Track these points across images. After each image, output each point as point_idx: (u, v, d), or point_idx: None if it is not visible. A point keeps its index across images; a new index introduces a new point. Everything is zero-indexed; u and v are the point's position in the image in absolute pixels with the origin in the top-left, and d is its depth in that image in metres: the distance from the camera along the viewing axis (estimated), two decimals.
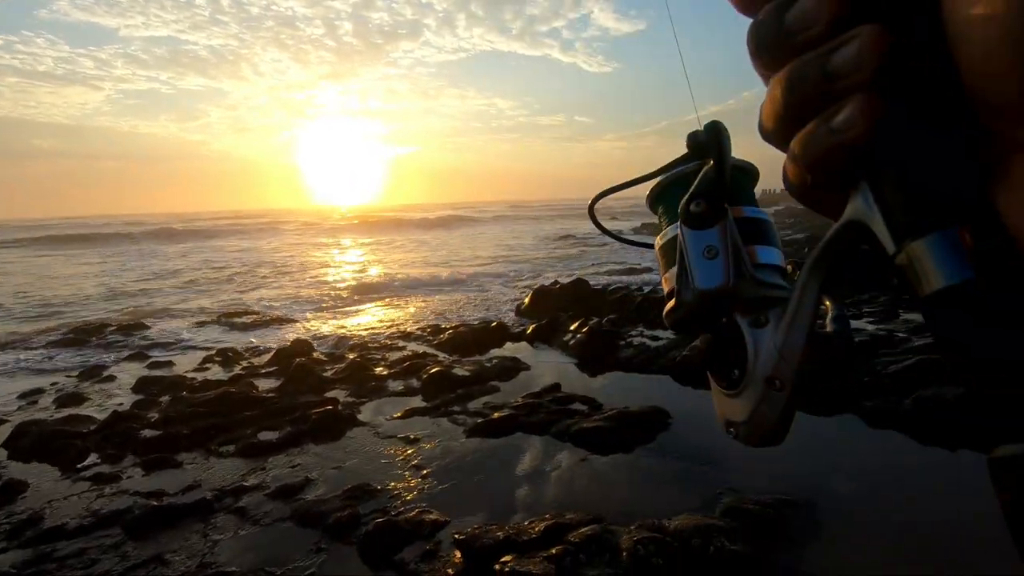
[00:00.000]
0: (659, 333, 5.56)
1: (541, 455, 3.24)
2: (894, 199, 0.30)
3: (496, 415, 3.73)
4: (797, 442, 3.29)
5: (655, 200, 0.52)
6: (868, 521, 2.42)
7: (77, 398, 4.76)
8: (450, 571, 2.16)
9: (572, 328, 5.69)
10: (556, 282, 8.30)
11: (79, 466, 3.43)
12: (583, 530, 2.23)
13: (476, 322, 6.85)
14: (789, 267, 0.47)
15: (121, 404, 4.49)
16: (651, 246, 0.53)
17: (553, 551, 2.10)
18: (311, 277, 14.60)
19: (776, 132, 0.34)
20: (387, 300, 9.94)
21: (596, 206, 0.64)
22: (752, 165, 0.49)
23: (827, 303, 0.47)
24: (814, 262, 0.38)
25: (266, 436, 3.66)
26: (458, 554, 2.24)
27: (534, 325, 6.18)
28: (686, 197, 0.44)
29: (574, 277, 8.82)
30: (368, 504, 2.76)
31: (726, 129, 0.45)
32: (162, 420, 3.99)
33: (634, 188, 0.56)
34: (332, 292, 11.57)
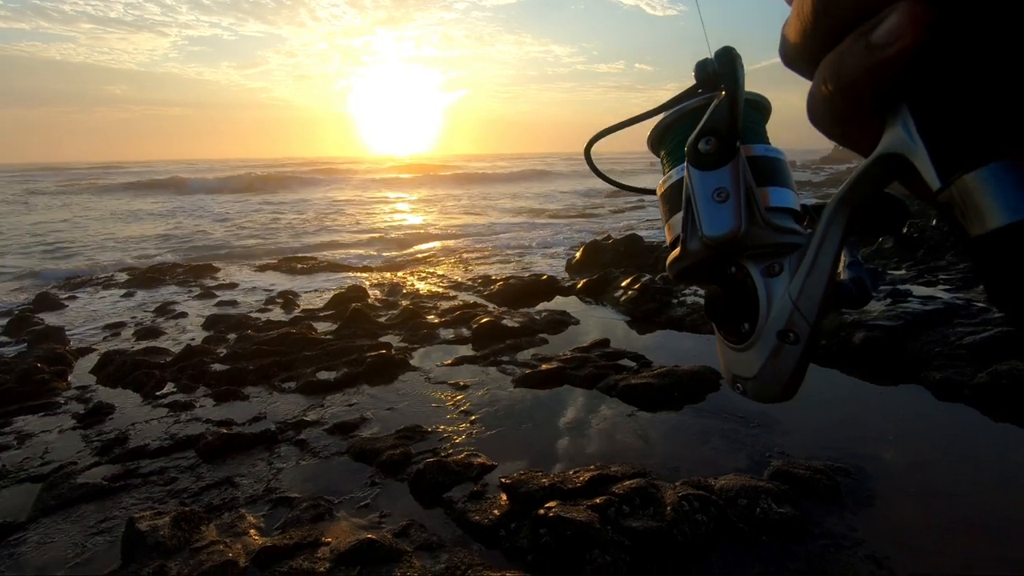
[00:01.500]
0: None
1: (587, 408, 3.27)
2: (943, 126, 0.25)
3: (544, 367, 3.77)
4: (855, 410, 3.19)
5: (658, 140, 0.47)
6: (924, 494, 2.34)
7: (154, 332, 5.12)
8: (496, 512, 2.24)
9: (623, 284, 5.62)
10: (608, 236, 8.15)
11: (157, 394, 3.72)
12: (627, 483, 2.25)
13: (527, 275, 6.86)
14: (801, 209, 0.43)
15: (193, 339, 4.80)
16: (653, 192, 0.49)
17: (597, 500, 2.14)
18: (367, 226, 14.92)
19: (803, 53, 0.29)
20: (440, 250, 10.07)
21: (594, 147, 0.58)
22: (764, 98, 0.45)
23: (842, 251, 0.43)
24: (840, 202, 0.34)
25: (324, 375, 3.84)
26: (504, 497, 2.31)
27: (584, 280, 6.13)
28: (694, 134, 0.40)
29: (629, 232, 8.64)
30: (419, 445, 2.88)
31: (739, 56, 0.39)
32: (230, 355, 4.25)
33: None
34: (388, 241, 11.82)
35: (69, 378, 4.09)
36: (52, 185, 30.94)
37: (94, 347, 4.77)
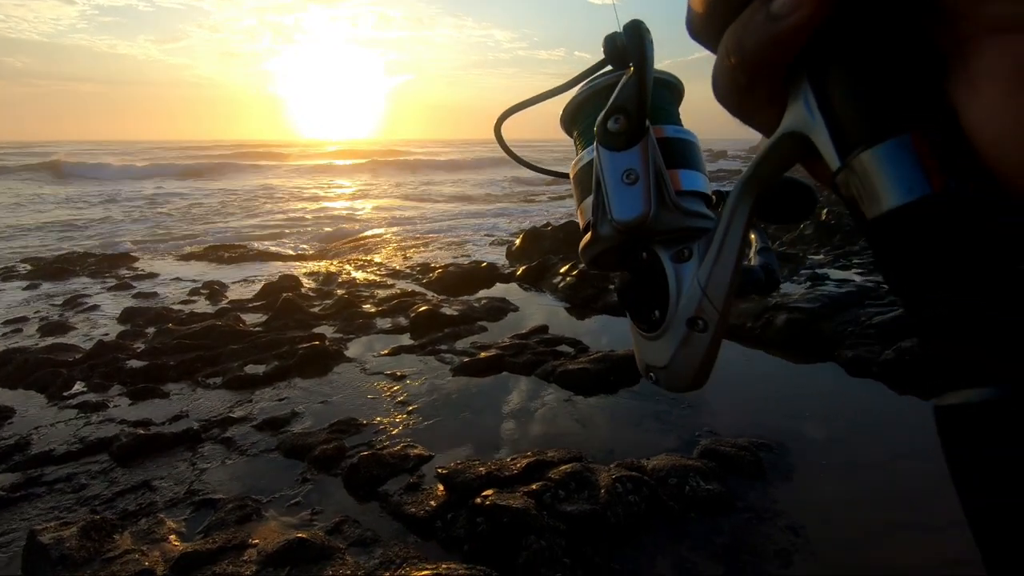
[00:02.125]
0: None
1: (526, 395, 3.29)
2: (841, 101, 0.25)
3: (483, 355, 3.75)
4: (775, 388, 3.37)
5: (570, 120, 0.46)
6: (838, 464, 2.50)
7: (62, 327, 4.73)
8: (432, 503, 2.21)
9: (562, 271, 5.67)
10: (548, 223, 8.21)
11: (65, 394, 3.44)
12: (564, 467, 2.28)
13: (466, 262, 6.81)
14: (714, 196, 0.42)
15: (106, 334, 4.47)
16: (565, 175, 0.48)
17: (534, 486, 2.15)
18: (301, 213, 14.36)
19: (706, 24, 0.28)
20: (378, 238, 9.84)
21: (503, 124, 0.55)
22: (677, 78, 0.44)
23: (752, 235, 0.43)
24: (744, 185, 0.34)
25: (253, 369, 3.67)
26: (441, 487, 2.29)
27: (524, 267, 6.15)
28: (603, 112, 0.39)
29: (568, 218, 8.74)
30: (354, 438, 2.80)
31: (648, 31, 0.38)
32: (148, 351, 3.99)
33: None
34: (323, 229, 11.42)
35: None
36: None
37: None
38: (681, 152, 0.40)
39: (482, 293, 5.56)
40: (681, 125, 0.42)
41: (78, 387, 3.53)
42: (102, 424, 3.05)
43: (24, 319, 5.03)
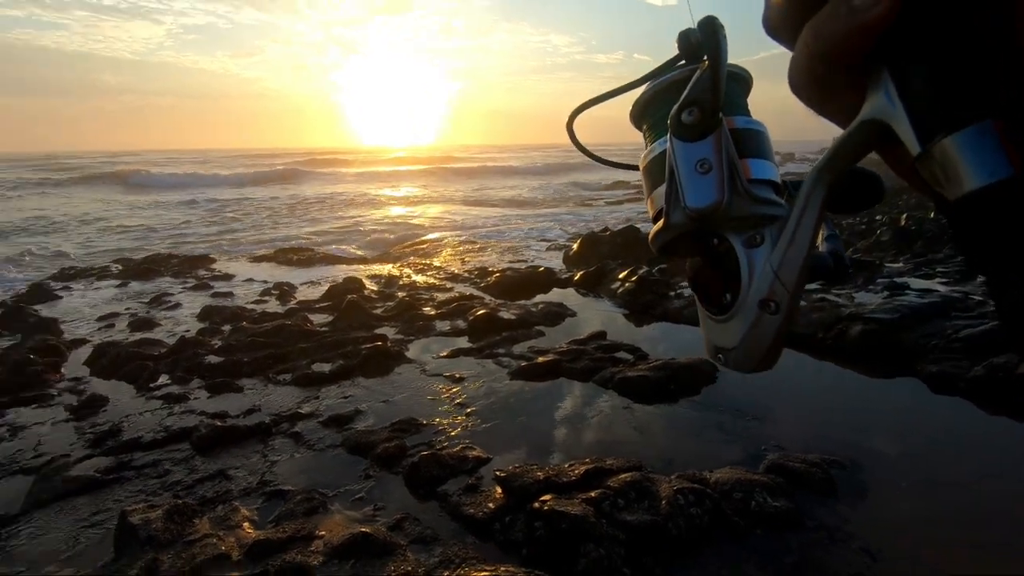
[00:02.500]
0: None
1: (583, 401, 3.26)
2: (922, 89, 0.26)
3: (540, 359, 3.76)
4: (850, 402, 3.19)
5: (641, 114, 0.47)
6: (918, 486, 2.34)
7: (149, 323, 5.09)
8: (491, 506, 2.23)
9: (620, 276, 5.60)
10: (606, 228, 8.13)
11: (151, 386, 3.70)
12: (623, 476, 2.25)
13: (524, 267, 6.84)
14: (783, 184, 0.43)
15: (187, 331, 4.77)
16: (635, 167, 0.50)
17: (592, 494, 2.13)
18: (363, 217, 14.85)
19: (785, 19, 0.29)
20: (436, 242, 10.04)
21: (576, 120, 0.57)
22: (745, 70, 0.45)
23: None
24: (820, 171, 0.35)
25: (319, 368, 3.83)
26: (499, 490, 2.31)
27: (581, 272, 6.11)
28: (677, 105, 0.40)
29: (626, 223, 8.62)
30: (414, 437, 2.87)
31: (723, 27, 0.39)
32: (224, 347, 4.23)
33: None
34: (384, 233, 11.77)
35: (62, 370, 4.06)
36: (35, 176, 30.71)
37: (88, 339, 4.74)
38: (752, 142, 0.41)
39: (539, 298, 5.57)
40: (751, 116, 0.43)
41: (163, 379, 3.79)
42: (183, 415, 3.26)
43: (116, 315, 5.45)
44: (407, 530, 2.14)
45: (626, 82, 0.48)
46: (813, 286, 5.10)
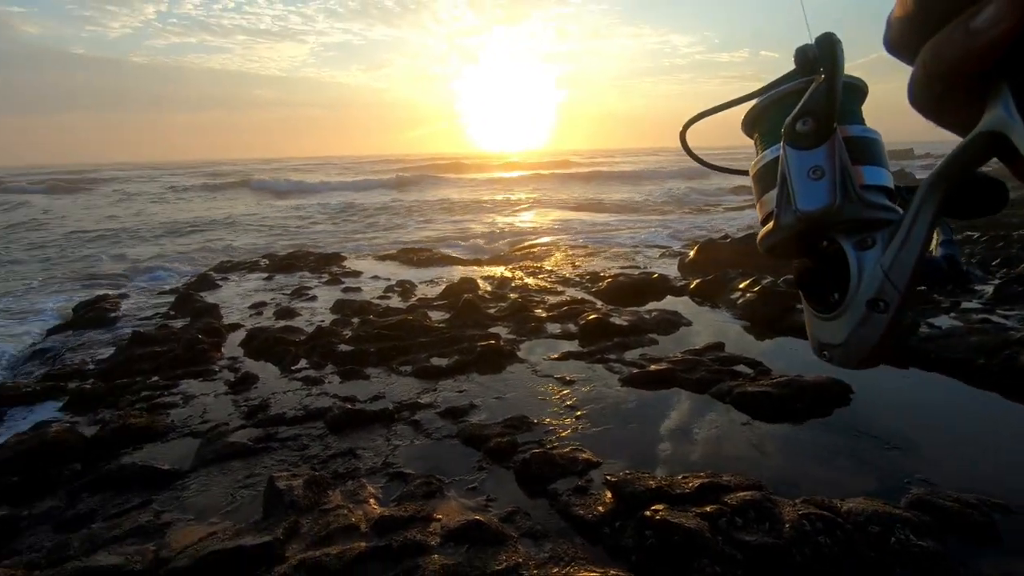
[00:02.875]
0: None
1: (698, 413, 3.15)
2: None
3: (653, 367, 3.68)
4: (1014, 440, 2.79)
5: (752, 123, 0.49)
6: None
7: (291, 312, 5.67)
8: (600, 509, 2.23)
9: (741, 286, 5.32)
10: (726, 235, 7.75)
11: (293, 368, 4.12)
12: (741, 494, 2.14)
13: (636, 272, 6.72)
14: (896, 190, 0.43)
15: (323, 321, 5.25)
16: (746, 173, 0.52)
17: (707, 509, 2.06)
18: (478, 220, 15.37)
19: (906, 39, 0.31)
20: (548, 246, 10.14)
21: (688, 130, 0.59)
22: (861, 80, 0.45)
23: (936, 228, 0.43)
24: (936, 178, 0.35)
25: (437, 361, 4.04)
26: (609, 495, 2.30)
27: (698, 280, 5.88)
28: (792, 114, 0.42)
29: (748, 231, 8.15)
30: (525, 435, 2.94)
31: (840, 42, 0.41)
32: (354, 338, 4.60)
33: None
34: (497, 236, 12.11)
35: (222, 349, 4.65)
36: (197, 181, 35.19)
37: (241, 323, 5.38)
38: (866, 149, 0.43)
39: (652, 305, 5.44)
40: (865, 124, 0.44)
41: (302, 363, 4.21)
42: (319, 396, 3.59)
43: (264, 304, 6.13)
44: (518, 523, 2.20)
45: (741, 95, 0.51)
46: (973, 305, 4.49)
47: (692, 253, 7.38)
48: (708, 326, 4.78)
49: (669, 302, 5.56)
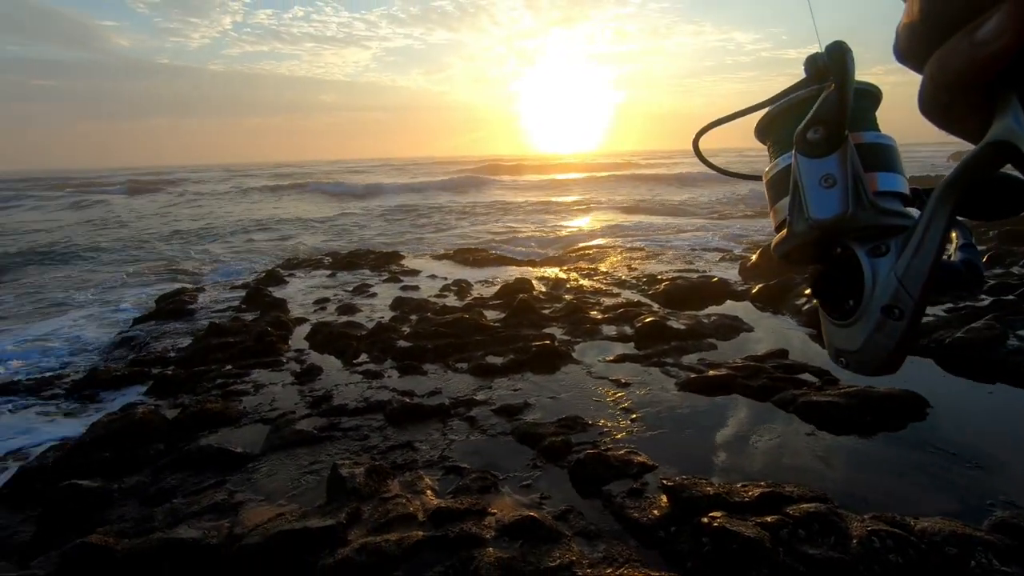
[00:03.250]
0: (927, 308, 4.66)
1: (759, 421, 3.05)
2: None
3: (712, 372, 3.59)
4: None
5: (764, 131, 0.50)
6: None
7: (352, 308, 5.88)
8: (656, 513, 2.21)
9: (807, 292, 5.10)
10: None
11: (355, 361, 4.28)
12: (805, 506, 2.07)
13: (695, 276, 6.57)
14: (912, 193, 0.43)
15: (382, 317, 5.42)
16: (759, 179, 0.52)
17: (768, 519, 2.00)
18: (533, 221, 15.42)
19: (913, 49, 0.31)
20: (604, 247, 10.06)
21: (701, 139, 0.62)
22: (875, 86, 0.45)
23: (953, 233, 0.44)
24: (947, 187, 0.35)
25: (492, 360, 4.10)
26: (665, 499, 2.27)
27: (761, 285, 5.68)
28: (803, 123, 0.42)
29: None
30: (579, 435, 2.94)
31: (851, 50, 0.41)
32: (412, 334, 4.73)
33: None
34: (553, 237, 12.11)
35: (289, 342, 4.89)
36: (271, 182, 36.90)
37: (307, 318, 5.64)
38: (879, 156, 0.43)
39: (711, 309, 5.31)
40: (879, 130, 0.44)
41: (363, 357, 4.37)
42: (379, 389, 3.72)
43: (327, 300, 6.39)
44: (572, 522, 2.21)
45: (753, 103, 0.51)
46: None
47: (754, 257, 7.10)
48: (770, 332, 4.62)
49: (729, 307, 5.41)
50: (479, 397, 3.50)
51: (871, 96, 0.45)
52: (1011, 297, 4.55)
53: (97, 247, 12.93)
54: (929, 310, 4.68)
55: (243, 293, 6.99)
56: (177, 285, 8.11)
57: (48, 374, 4.81)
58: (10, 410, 4.08)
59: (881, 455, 2.69)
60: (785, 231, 0.46)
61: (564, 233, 12.58)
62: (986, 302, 4.51)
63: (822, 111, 0.41)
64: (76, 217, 20.42)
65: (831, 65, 0.41)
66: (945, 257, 0.40)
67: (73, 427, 3.74)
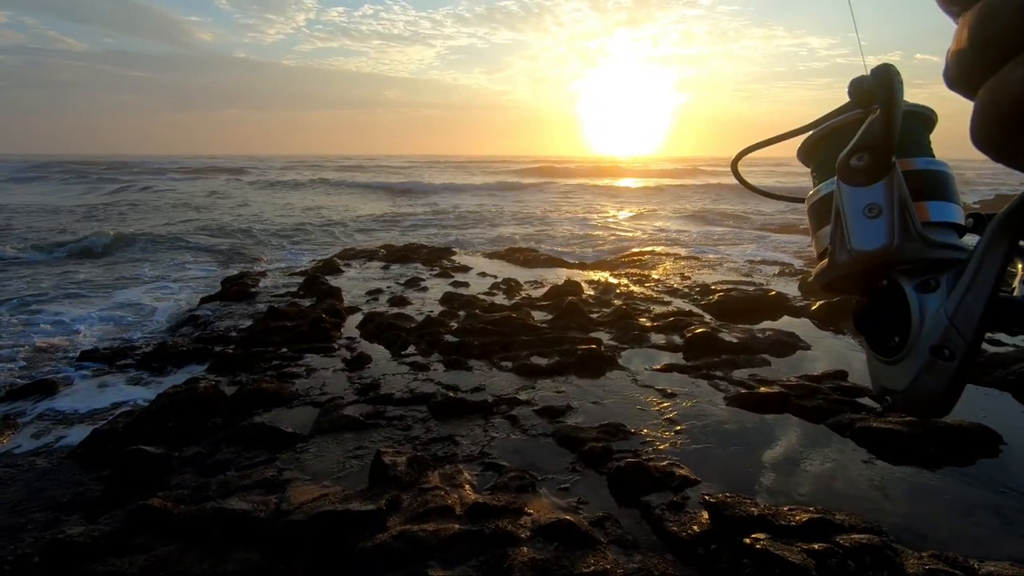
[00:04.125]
0: (1003, 338, 4.36)
1: (810, 443, 2.93)
2: None
3: (763, 389, 3.47)
4: None
5: (807, 155, 0.49)
6: None
7: (403, 300, 6.02)
8: (695, 528, 2.16)
9: None
10: None
11: (403, 353, 4.38)
12: (856, 536, 1.97)
13: (750, 289, 6.35)
14: (971, 220, 0.41)
15: (431, 311, 5.51)
16: (801, 200, 0.50)
17: (815, 546, 1.92)
18: (587, 223, 15.31)
19: (963, 78, 0.30)
20: (658, 254, 9.87)
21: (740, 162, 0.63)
22: (929, 109, 0.42)
23: (1018, 264, 0.40)
24: (1003, 221, 0.33)
25: (537, 360, 4.10)
26: (706, 515, 2.21)
27: (821, 302, 5.44)
28: (846, 150, 0.40)
29: None
30: (620, 443, 2.90)
31: (898, 73, 0.37)
32: (459, 330, 4.79)
33: None
34: (606, 240, 12.00)
35: (342, 329, 5.05)
36: (336, 175, 38.15)
37: (360, 307, 5.80)
38: (932, 183, 0.40)
39: (766, 324, 5.12)
40: (932, 156, 0.41)
41: (411, 349, 4.46)
42: (424, 382, 3.79)
43: (380, 291, 6.56)
44: (608, 529, 2.19)
45: (797, 127, 0.49)
46: None
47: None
48: (829, 352, 4.42)
49: (786, 322, 5.21)
50: (522, 396, 3.51)
51: (923, 119, 0.43)
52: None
53: (172, 229, 13.75)
54: (1006, 339, 4.36)
55: (301, 280, 7.27)
56: (243, 267, 8.51)
57: (123, 345, 5.16)
58: (88, 376, 4.40)
59: (944, 490, 2.53)
60: (827, 261, 0.44)
61: (618, 237, 12.44)
62: None
63: (867, 137, 0.39)
64: (148, 202, 21.79)
65: (877, 88, 0.39)
66: (1009, 292, 0.37)
67: (142, 395, 4.00)
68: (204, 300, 6.66)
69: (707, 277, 7.56)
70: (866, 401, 3.35)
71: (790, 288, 6.76)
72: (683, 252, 10.15)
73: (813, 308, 5.40)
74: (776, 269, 8.36)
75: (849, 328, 4.90)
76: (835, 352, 4.42)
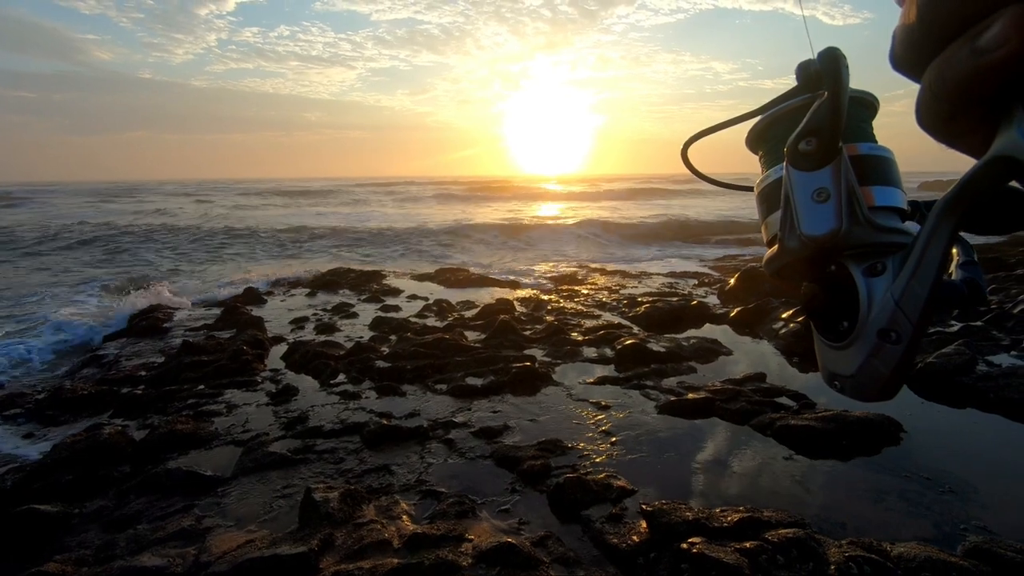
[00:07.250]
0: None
1: (737, 445, 3.06)
2: None
3: (691, 395, 3.60)
4: None
5: (755, 140, 0.47)
6: None
7: (331, 328, 5.80)
8: (635, 538, 2.19)
9: (784, 316, 5.18)
10: None
11: (332, 382, 4.20)
12: (783, 531, 2.07)
13: (675, 299, 6.63)
14: (910, 207, 0.42)
15: (362, 337, 5.35)
16: (750, 190, 0.49)
17: (747, 544, 1.99)
18: (515, 242, 15.47)
19: (909, 57, 0.29)
20: (583, 269, 10.11)
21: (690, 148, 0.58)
22: (872, 95, 0.43)
23: (953, 250, 0.41)
24: (948, 204, 0.33)
25: (472, 381, 4.06)
26: (644, 524, 2.25)
27: (739, 308, 5.76)
28: (794, 135, 0.39)
29: None
30: (559, 459, 2.91)
31: (844, 56, 0.38)
32: (391, 354, 4.67)
33: None
34: (534, 258, 12.16)
35: (265, 361, 4.79)
36: (262, 199, 36.60)
37: (285, 337, 5.54)
38: (876, 168, 0.40)
39: (690, 332, 5.35)
40: (876, 142, 0.42)
41: (341, 377, 4.29)
42: (356, 411, 3.65)
43: (306, 319, 6.29)
44: (550, 548, 2.17)
45: (742, 112, 0.49)
46: None
47: (732, 281, 7.24)
48: (749, 356, 4.66)
49: (708, 330, 5.46)
50: (458, 419, 3.45)
51: (867, 105, 0.43)
52: (979, 323, 4.67)
53: (55, 256, 12.62)
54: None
55: (219, 311, 6.85)
56: (151, 301, 7.92)
57: (10, 392, 4.64)
58: None
59: (857, 479, 2.71)
60: (776, 247, 0.43)
61: (547, 254, 12.64)
62: (956, 328, 4.62)
63: (814, 121, 0.38)
64: (39, 223, 19.96)
65: (824, 72, 0.39)
66: (946, 276, 0.38)
67: (36, 448, 3.60)
68: (108, 338, 6.13)
69: (633, 290, 7.81)
70: (784, 400, 3.55)
71: (711, 297, 7.11)
72: (610, 266, 10.45)
73: (732, 315, 5.70)
74: (697, 279, 8.78)
75: (765, 332, 5.20)
76: (754, 355, 4.67)
